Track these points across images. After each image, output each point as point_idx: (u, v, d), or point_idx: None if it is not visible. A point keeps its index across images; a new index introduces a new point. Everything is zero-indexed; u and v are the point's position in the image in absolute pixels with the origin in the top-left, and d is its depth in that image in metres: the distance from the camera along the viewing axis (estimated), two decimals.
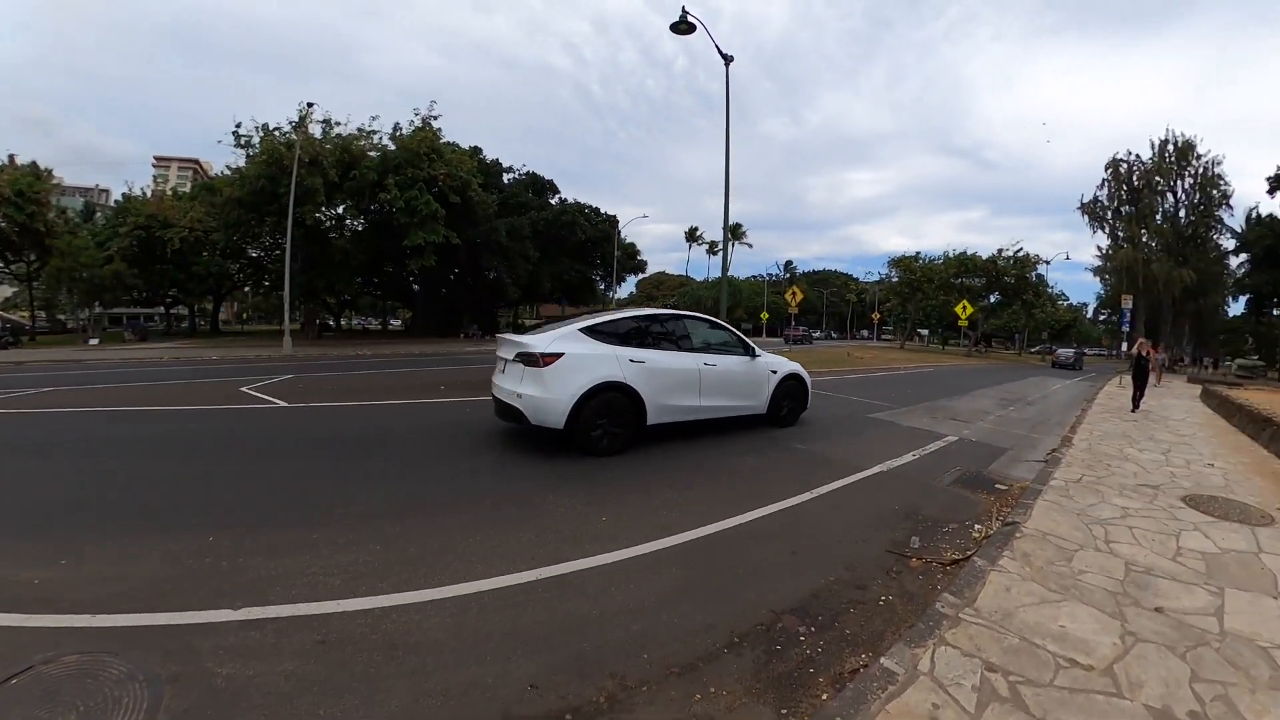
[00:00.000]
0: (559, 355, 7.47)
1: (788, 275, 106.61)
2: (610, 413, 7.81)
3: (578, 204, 53.74)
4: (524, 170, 54.05)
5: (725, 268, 21.34)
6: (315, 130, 32.77)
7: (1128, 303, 31.12)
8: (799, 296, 34.56)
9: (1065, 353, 47.89)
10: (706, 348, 9.34)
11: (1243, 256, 47.24)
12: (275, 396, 12.27)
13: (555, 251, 49.56)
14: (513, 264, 43.01)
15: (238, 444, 8.34)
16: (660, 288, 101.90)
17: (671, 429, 9.05)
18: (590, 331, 8.03)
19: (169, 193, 49.04)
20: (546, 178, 55.68)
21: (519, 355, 7.73)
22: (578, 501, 5.91)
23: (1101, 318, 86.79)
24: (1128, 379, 26.60)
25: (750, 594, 4.20)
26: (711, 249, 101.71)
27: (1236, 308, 60.70)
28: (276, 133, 31.86)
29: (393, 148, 34.52)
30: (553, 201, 53.98)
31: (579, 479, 6.78)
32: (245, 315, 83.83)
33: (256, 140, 32.06)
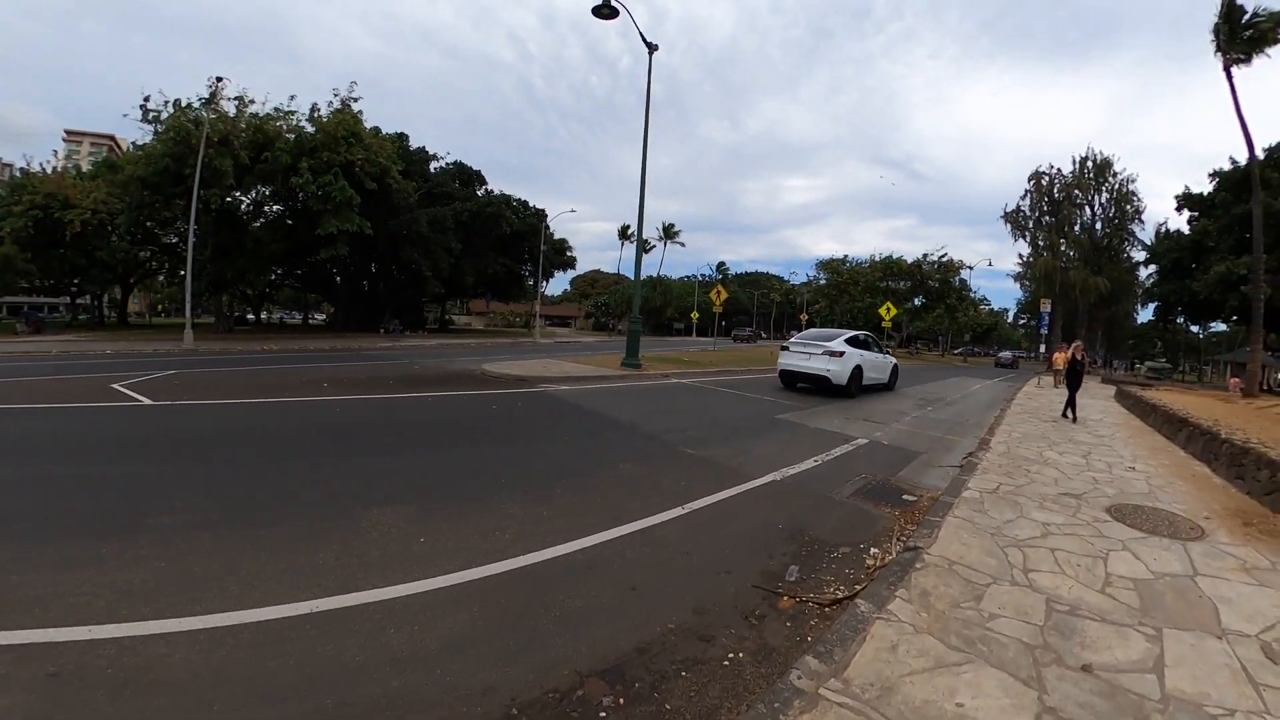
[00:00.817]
0: (843, 352, 15.31)
1: (720, 276, 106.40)
2: (856, 379, 15.46)
3: (504, 195, 51.58)
4: (450, 160, 51.80)
5: (638, 264, 20.35)
6: (228, 108, 30.39)
7: (1046, 306, 31.73)
8: (723, 295, 34.26)
9: (1005, 355, 55.48)
10: (875, 350, 17.49)
11: (1152, 268, 49.71)
12: (143, 394, 11.00)
13: (479, 244, 47.35)
14: (433, 256, 40.95)
15: (75, 445, 7.41)
16: (595, 285, 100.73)
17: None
18: (848, 341, 15.93)
19: (70, 170, 44.72)
20: (474, 167, 53.43)
21: (826, 351, 15.37)
22: (400, 518, 4.97)
23: (1021, 321, 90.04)
24: (1046, 379, 27.07)
25: (559, 645, 3.24)
26: (644, 247, 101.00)
27: (1144, 315, 65.83)
28: (188, 109, 29.42)
29: (311, 130, 32.40)
30: (480, 193, 51.95)
31: (416, 491, 5.84)
32: (160, 307, 78.37)
33: (166, 116, 29.47)
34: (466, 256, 45.76)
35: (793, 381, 16.14)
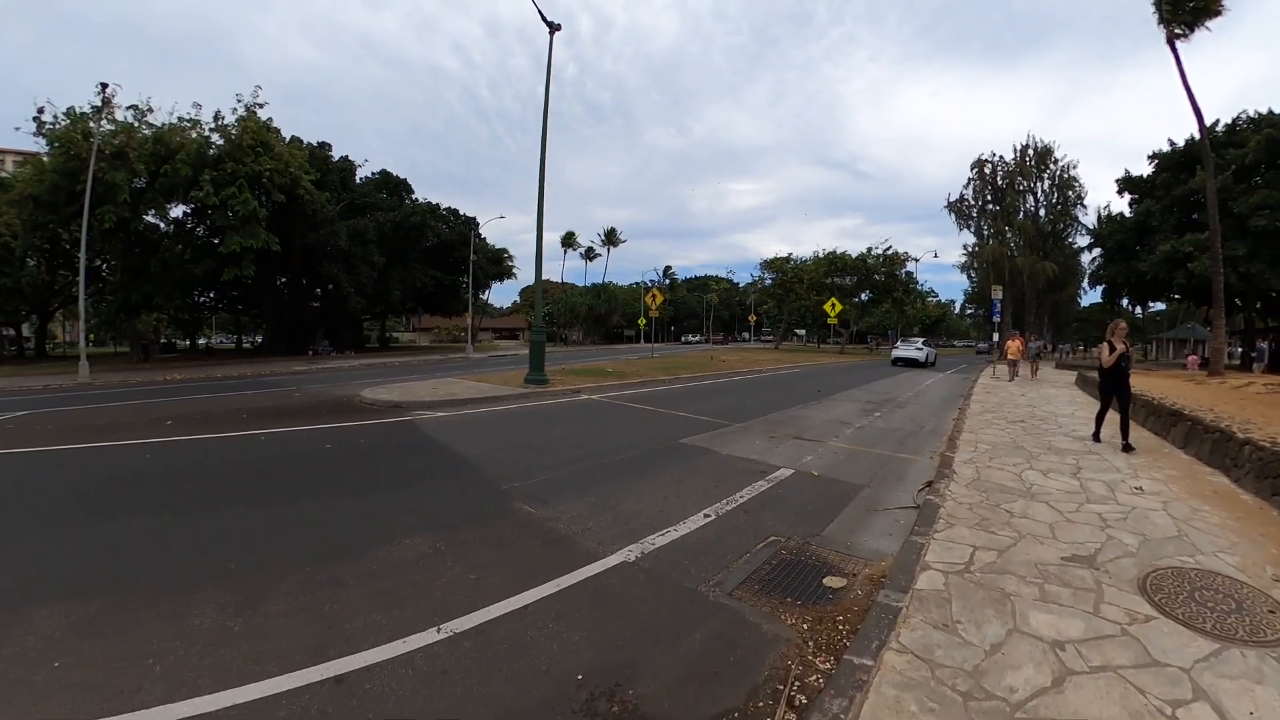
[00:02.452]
0: (927, 347, 35.37)
1: (667, 281, 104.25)
2: (927, 362, 33.31)
3: (429, 204, 48.27)
4: (367, 169, 48.33)
5: (539, 265, 17.63)
6: (123, 117, 27.15)
7: (998, 293, 30.23)
8: (659, 300, 32.41)
9: (984, 345, 56.27)
10: (930, 346, 36.36)
11: (1096, 251, 48.95)
12: None
13: (405, 256, 44.07)
14: (355, 270, 37.85)
15: None
16: (544, 296, 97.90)
17: None
18: (924, 342, 36.24)
19: None
20: (399, 176, 50.05)
21: (922, 344, 35.04)
22: (55, 627, 3.53)
23: (969, 312, 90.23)
24: (1001, 368, 25.25)
25: None
26: (587, 255, 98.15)
27: (1089, 299, 67.21)
28: (80, 119, 26.15)
29: (218, 140, 29.26)
30: (407, 202, 48.67)
31: (106, 581, 4.25)
32: (91, 335, 72.13)
33: (61, 128, 26.18)
34: (392, 269, 42.69)
35: (901, 362, 32.46)
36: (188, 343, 55.02)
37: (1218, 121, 34.02)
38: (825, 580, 4.37)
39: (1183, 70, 21.83)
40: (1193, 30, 21.96)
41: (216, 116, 29.73)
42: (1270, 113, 32.81)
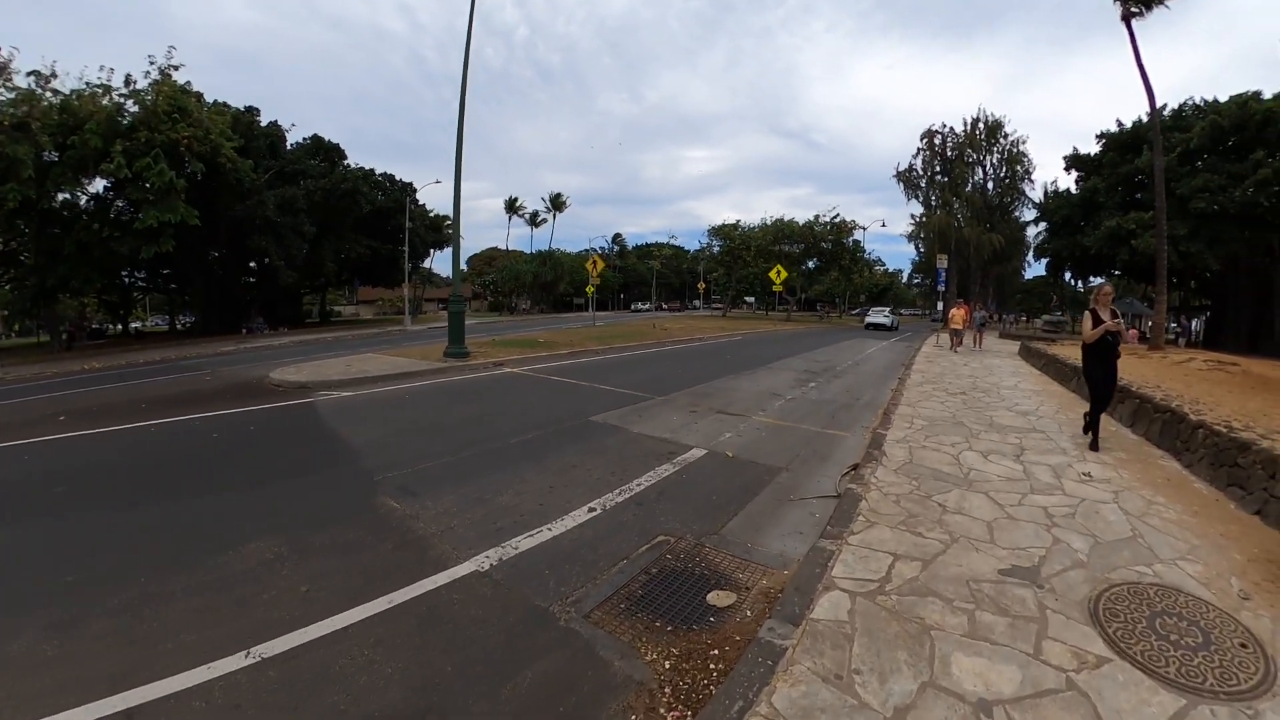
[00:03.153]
0: (892, 315, 45.16)
1: (617, 248, 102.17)
2: (893, 327, 40.30)
3: (362, 169, 45.41)
4: (299, 134, 45.17)
5: (456, 223, 16.36)
6: (25, 85, 24.38)
7: (943, 262, 30.20)
8: (599, 266, 31.70)
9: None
10: (894, 312, 51.69)
11: (1042, 225, 49.88)
12: None
13: (338, 226, 41.57)
14: (285, 242, 35.44)
15: None
16: (492, 264, 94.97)
17: None
18: (890, 311, 48.03)
19: None
20: (332, 141, 46.98)
21: (889, 312, 45.13)
22: None
23: (916, 281, 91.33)
24: (944, 337, 24.88)
25: None
26: (533, 220, 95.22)
27: (1030, 271, 68.79)
28: None
29: (133, 107, 26.54)
30: (340, 169, 45.77)
31: None
32: (16, 325, 66.84)
33: None
34: (325, 240, 40.31)
35: (871, 327, 37.54)
36: (119, 327, 51.46)
37: (1165, 106, 34.53)
38: (710, 596, 3.53)
39: (1136, 47, 21.67)
40: (1149, 9, 21.89)
41: (128, 80, 27.10)
42: (1215, 101, 33.77)
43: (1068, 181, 46.38)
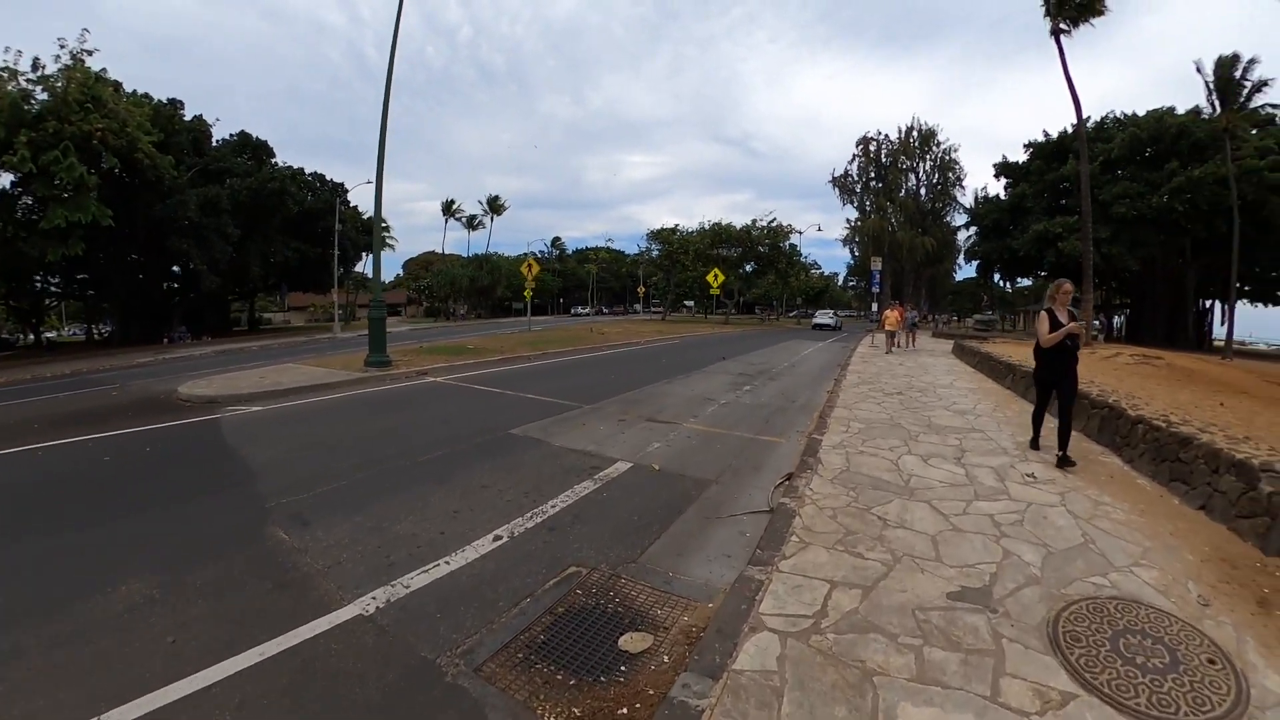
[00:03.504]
0: (837, 317, 49.16)
1: (556, 252, 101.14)
2: (837, 327, 42.77)
3: (290, 168, 43.49)
4: (224, 130, 42.81)
5: (377, 224, 15.55)
6: None
7: (877, 264, 30.64)
8: (535, 269, 31.21)
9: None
10: (838, 315, 54.54)
11: (973, 229, 52.12)
12: None
13: (265, 227, 39.58)
14: (208, 245, 33.33)
15: None
16: (429, 268, 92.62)
17: None
18: (835, 313, 51.83)
19: None
20: (260, 138, 44.62)
21: (834, 314, 49.90)
22: None
23: (851, 284, 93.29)
24: (880, 337, 24.94)
25: None
26: (470, 224, 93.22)
27: (963, 273, 71.22)
28: None
29: (42, 94, 24.26)
30: (267, 167, 43.51)
31: None
32: None
33: None
34: (250, 242, 38.13)
35: (818, 327, 40.12)
36: (31, 337, 47.58)
37: (1089, 118, 36.43)
38: (623, 640, 3.03)
39: (1064, 60, 22.77)
40: (1076, 25, 22.87)
41: (35, 65, 24.92)
42: (1134, 115, 36.49)
43: (997, 188, 48.75)
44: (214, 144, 41.76)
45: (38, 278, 34.29)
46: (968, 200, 58.19)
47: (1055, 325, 6.04)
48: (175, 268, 38.12)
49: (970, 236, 52.46)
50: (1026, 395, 10.49)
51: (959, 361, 17.59)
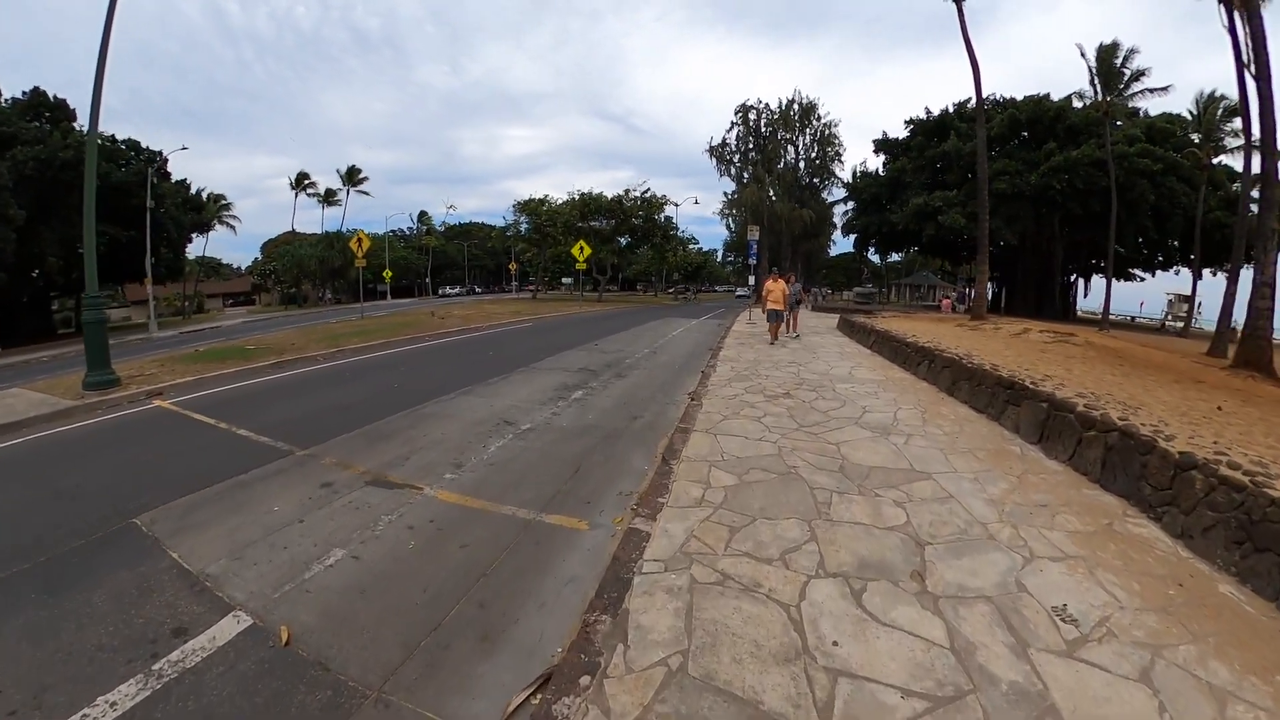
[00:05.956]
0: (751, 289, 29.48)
1: (424, 228, 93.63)
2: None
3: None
4: (24, 90, 34.31)
5: (90, 197, 11.02)
6: None
7: (754, 233, 28.35)
8: (365, 245, 27.35)
9: (743, 290, 52.51)
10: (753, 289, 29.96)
11: (850, 203, 52.16)
12: None
13: (61, 207, 31.90)
14: None
15: None
16: (272, 249, 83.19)
17: None
18: (751, 286, 29.07)
19: None
20: (58, 97, 36.10)
21: (751, 288, 28.94)
22: None
23: (729, 260, 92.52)
24: (758, 314, 22.16)
25: None
26: (326, 198, 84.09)
27: (838, 248, 74.08)
28: None
29: None
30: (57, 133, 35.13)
31: None
32: None
33: None
34: (43, 226, 30.68)
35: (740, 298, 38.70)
36: None
37: (969, 100, 37.22)
38: None
39: (964, 24, 21.90)
40: None
41: None
42: (1012, 99, 38.60)
43: (876, 164, 49.25)
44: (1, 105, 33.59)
45: None
46: (846, 175, 58.13)
47: None
48: None
49: (848, 210, 52.53)
50: (954, 392, 7.92)
51: (850, 340, 15.24)
